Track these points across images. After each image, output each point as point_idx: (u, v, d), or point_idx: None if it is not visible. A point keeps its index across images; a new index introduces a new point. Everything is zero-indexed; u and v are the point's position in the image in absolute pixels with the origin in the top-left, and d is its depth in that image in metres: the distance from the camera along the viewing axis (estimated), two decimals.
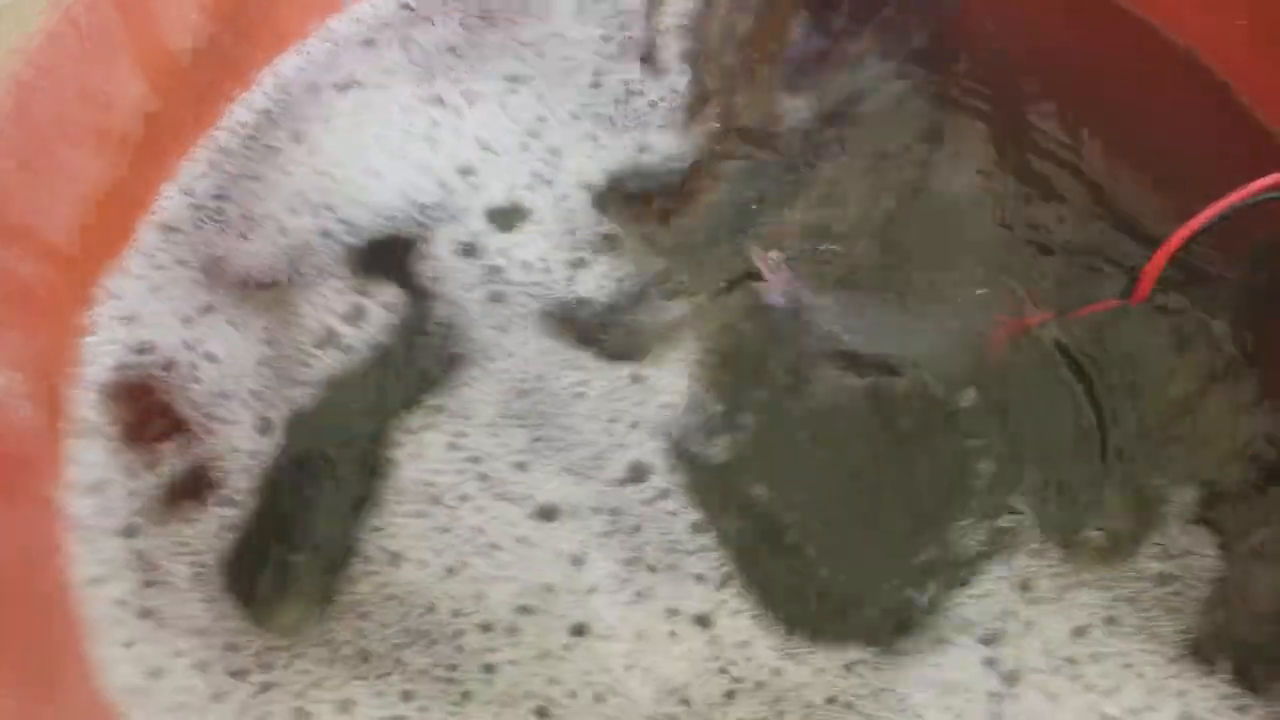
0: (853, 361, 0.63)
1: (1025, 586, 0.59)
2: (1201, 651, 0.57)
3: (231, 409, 0.63)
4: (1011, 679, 0.57)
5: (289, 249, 0.66)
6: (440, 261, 0.66)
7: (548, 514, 0.60)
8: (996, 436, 0.62)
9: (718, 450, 0.61)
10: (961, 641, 0.58)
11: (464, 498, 0.60)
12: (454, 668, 0.57)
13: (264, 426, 0.62)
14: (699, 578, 0.59)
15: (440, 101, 0.71)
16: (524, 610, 0.58)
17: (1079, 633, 0.58)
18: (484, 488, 0.60)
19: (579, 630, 0.58)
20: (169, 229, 0.67)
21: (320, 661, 0.57)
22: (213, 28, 0.68)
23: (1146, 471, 0.61)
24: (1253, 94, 0.69)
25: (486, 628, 0.58)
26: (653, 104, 0.70)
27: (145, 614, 0.58)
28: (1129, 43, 0.72)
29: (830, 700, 0.56)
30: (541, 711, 0.56)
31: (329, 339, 0.64)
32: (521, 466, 0.61)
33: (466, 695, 0.56)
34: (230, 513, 0.60)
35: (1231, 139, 0.69)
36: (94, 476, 0.61)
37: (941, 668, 0.57)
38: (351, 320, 0.65)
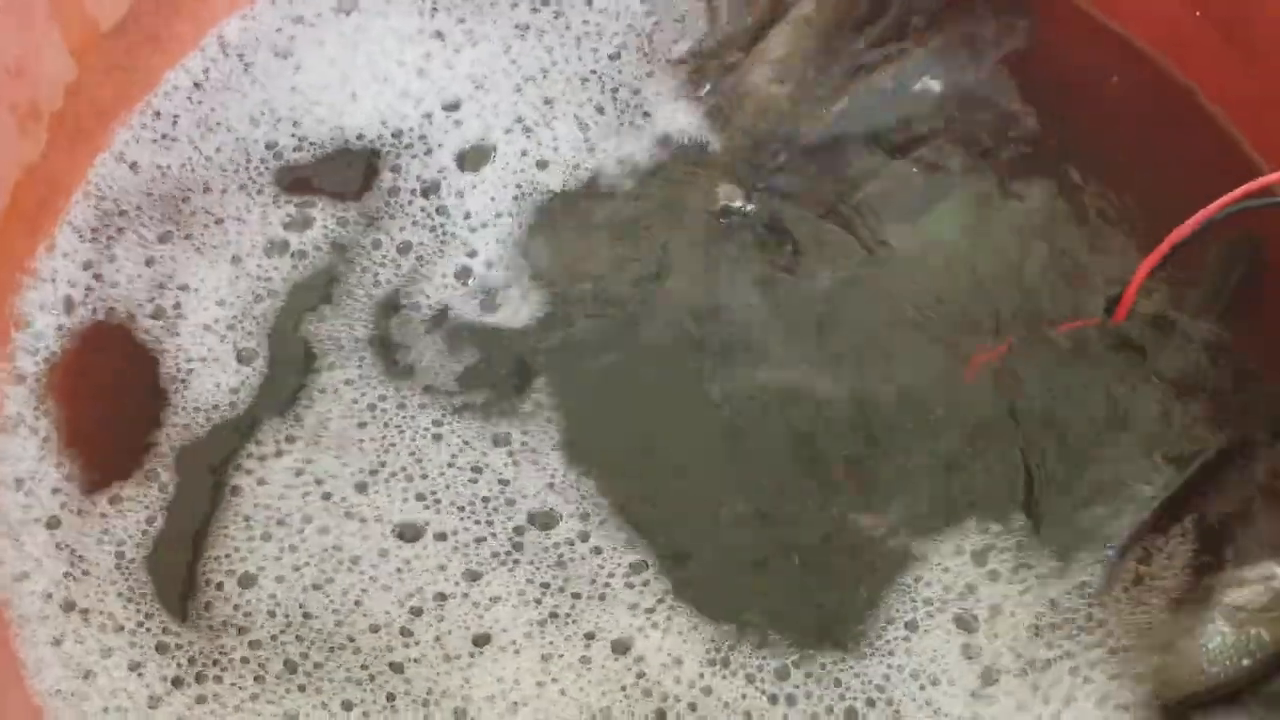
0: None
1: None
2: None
3: (210, 344, 0.62)
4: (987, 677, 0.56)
5: (237, 161, 0.66)
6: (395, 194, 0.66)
7: (407, 534, 0.59)
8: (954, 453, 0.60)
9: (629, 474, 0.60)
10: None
11: (307, 519, 0.59)
12: (365, 668, 0.56)
13: (246, 356, 0.62)
14: (631, 606, 0.57)
15: (440, 36, 0.69)
16: (415, 612, 0.57)
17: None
18: (327, 508, 0.59)
19: (480, 640, 0.56)
20: (101, 196, 0.65)
21: (251, 676, 0.56)
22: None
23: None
24: (1218, 97, 0.68)
25: (376, 629, 0.57)
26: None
27: (69, 607, 0.57)
28: (1093, 47, 0.70)
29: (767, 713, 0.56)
30: (459, 713, 0.55)
31: (279, 248, 0.64)
32: (362, 488, 0.59)
33: (391, 697, 0.55)
34: (157, 498, 0.59)
35: (1197, 142, 0.67)
36: (21, 470, 0.59)
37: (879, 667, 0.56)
38: (297, 228, 0.64)
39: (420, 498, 0.59)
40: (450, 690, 0.55)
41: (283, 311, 0.63)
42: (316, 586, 0.57)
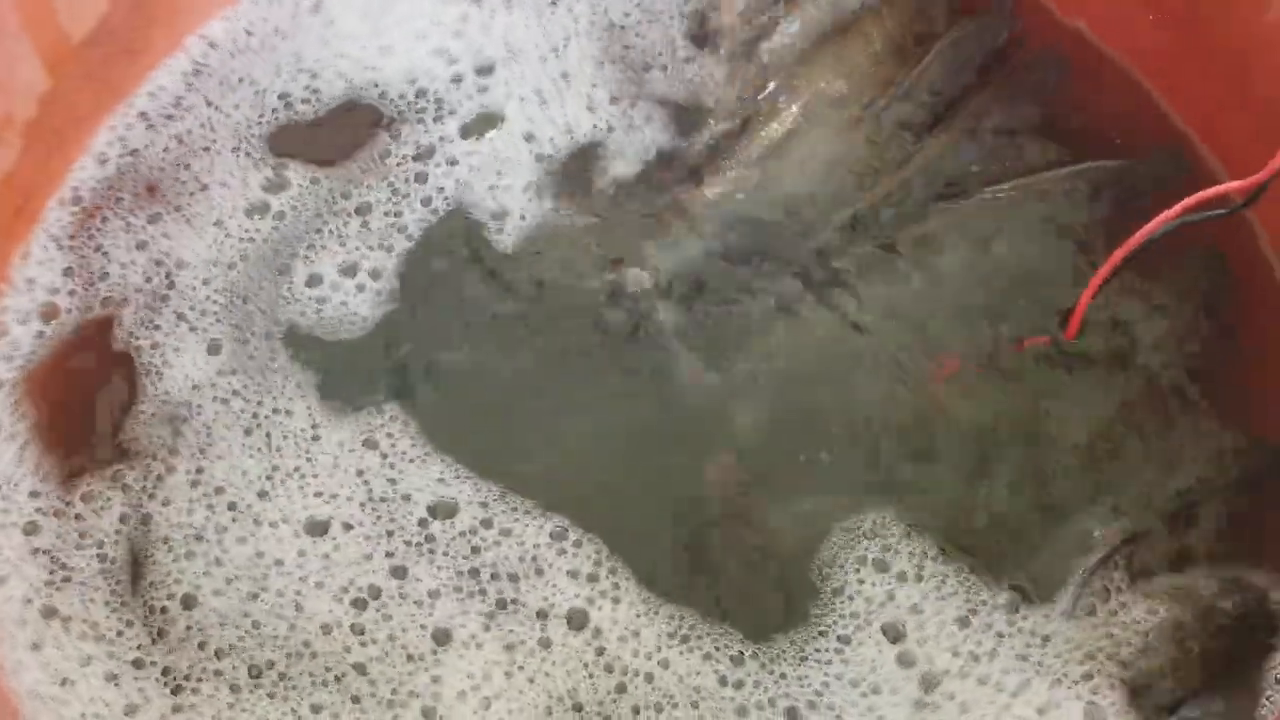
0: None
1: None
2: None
3: (181, 335, 0.63)
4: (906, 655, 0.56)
5: (250, 118, 0.68)
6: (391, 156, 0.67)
7: (315, 529, 0.59)
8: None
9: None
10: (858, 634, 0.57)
11: (222, 529, 0.59)
12: (329, 669, 0.56)
13: (213, 347, 0.63)
14: (571, 574, 0.58)
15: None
16: (358, 605, 0.57)
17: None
18: (235, 517, 0.59)
19: (440, 637, 0.57)
20: (79, 200, 0.66)
21: (227, 686, 0.56)
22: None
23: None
24: (1173, 98, 0.68)
25: (328, 629, 0.57)
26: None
27: (49, 613, 0.57)
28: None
29: (722, 684, 0.56)
30: (428, 713, 0.56)
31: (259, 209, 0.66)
32: (264, 495, 0.60)
33: (357, 699, 0.56)
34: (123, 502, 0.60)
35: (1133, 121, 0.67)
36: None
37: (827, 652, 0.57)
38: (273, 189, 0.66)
39: (318, 494, 0.60)
40: (418, 690, 0.56)
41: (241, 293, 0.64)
42: (254, 595, 0.58)
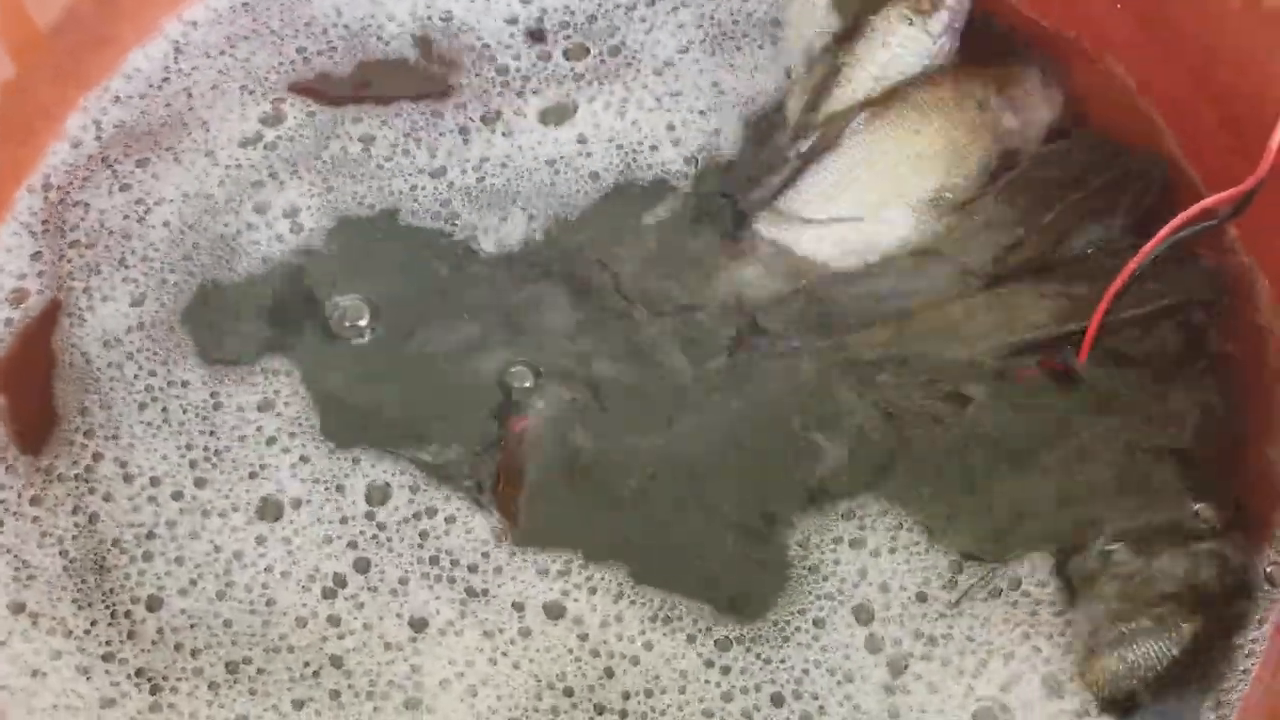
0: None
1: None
2: None
3: (113, 283, 0.62)
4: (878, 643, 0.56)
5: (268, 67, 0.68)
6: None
7: (267, 514, 0.58)
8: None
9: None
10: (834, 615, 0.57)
11: (171, 523, 0.58)
12: (307, 664, 0.55)
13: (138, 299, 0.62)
14: (541, 571, 0.57)
15: None
16: (327, 595, 0.57)
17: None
18: (186, 506, 0.58)
19: (417, 624, 0.56)
20: (48, 185, 0.65)
21: (206, 684, 0.55)
22: None
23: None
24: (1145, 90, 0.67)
25: (303, 622, 0.56)
26: None
27: (17, 609, 0.57)
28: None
29: (708, 665, 0.55)
30: (412, 703, 0.55)
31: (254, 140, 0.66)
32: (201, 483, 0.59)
33: (336, 693, 0.55)
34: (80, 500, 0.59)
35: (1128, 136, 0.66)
36: None
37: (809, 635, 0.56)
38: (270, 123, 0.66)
39: (253, 475, 0.59)
40: (398, 680, 0.55)
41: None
42: (221, 594, 0.57)
